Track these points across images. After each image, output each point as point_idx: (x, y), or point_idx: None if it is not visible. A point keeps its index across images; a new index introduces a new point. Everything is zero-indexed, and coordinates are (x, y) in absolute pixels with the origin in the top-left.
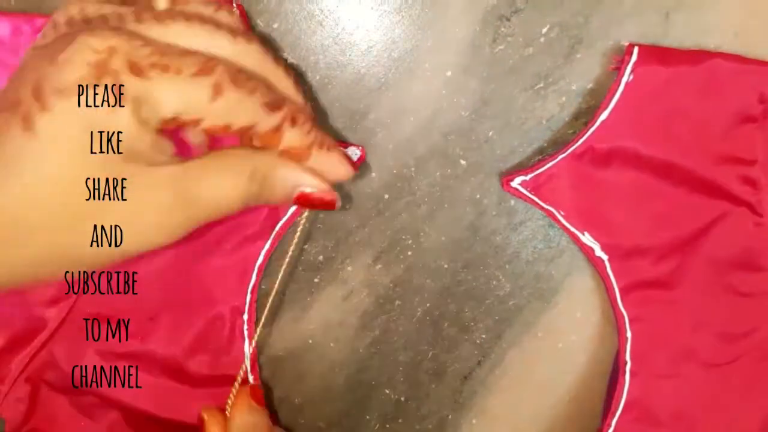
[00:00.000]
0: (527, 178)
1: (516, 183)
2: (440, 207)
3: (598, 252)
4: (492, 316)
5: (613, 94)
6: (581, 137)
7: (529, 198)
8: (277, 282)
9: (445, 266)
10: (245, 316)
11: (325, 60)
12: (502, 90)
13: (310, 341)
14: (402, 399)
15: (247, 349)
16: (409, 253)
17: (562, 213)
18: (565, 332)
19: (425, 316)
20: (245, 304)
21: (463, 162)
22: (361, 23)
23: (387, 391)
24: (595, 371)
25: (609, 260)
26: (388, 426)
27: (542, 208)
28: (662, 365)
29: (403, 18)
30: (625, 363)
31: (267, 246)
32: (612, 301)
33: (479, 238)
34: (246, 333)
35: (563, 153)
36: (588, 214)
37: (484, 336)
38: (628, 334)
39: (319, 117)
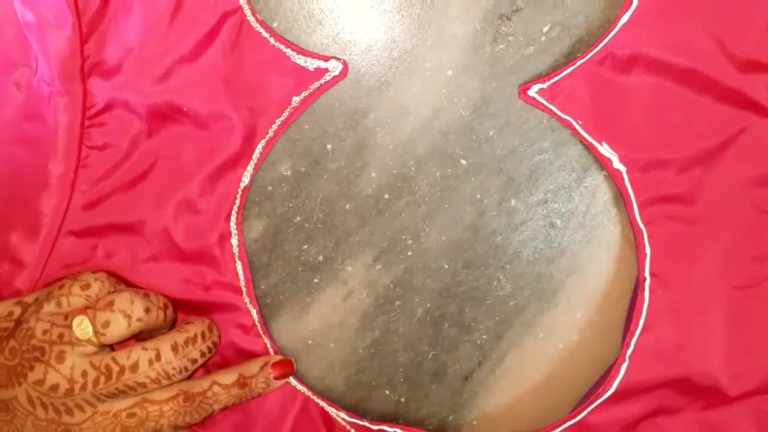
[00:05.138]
0: (545, 86)
1: (533, 92)
2: (440, 207)
3: (616, 164)
4: (492, 317)
5: None
6: (601, 41)
7: (546, 107)
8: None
9: (446, 266)
10: (234, 240)
11: None
12: (503, 89)
13: (310, 342)
14: (402, 400)
15: (241, 271)
16: (409, 253)
17: (579, 122)
18: (566, 333)
19: (425, 317)
20: (231, 227)
21: (463, 162)
22: (360, 22)
23: (387, 392)
24: (597, 372)
25: (627, 172)
26: None
27: (559, 117)
28: (683, 283)
29: (403, 17)
30: (644, 280)
31: (251, 169)
32: (630, 215)
33: (479, 238)
34: (237, 256)
35: (582, 58)
36: (607, 123)
37: (484, 336)
38: (647, 250)
39: (318, 116)
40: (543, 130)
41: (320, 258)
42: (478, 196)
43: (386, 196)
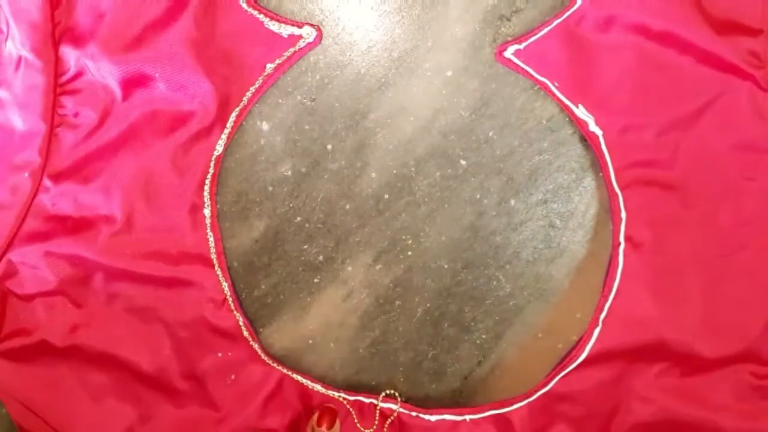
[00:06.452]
0: (521, 47)
1: (509, 53)
2: (440, 207)
3: (593, 126)
4: (492, 317)
5: None
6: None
7: (523, 69)
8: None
9: (445, 266)
10: (206, 211)
11: (325, 60)
12: (503, 90)
13: (310, 341)
14: (402, 399)
15: (213, 242)
16: (409, 253)
17: (556, 84)
18: (565, 332)
19: (425, 316)
20: (204, 197)
21: (463, 162)
22: (361, 23)
23: (387, 392)
24: None
25: (604, 135)
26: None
27: (535, 79)
28: (659, 249)
29: (404, 18)
30: (619, 244)
31: (224, 137)
32: (606, 179)
33: (479, 238)
34: (209, 227)
35: (559, 18)
36: (584, 84)
37: (484, 336)
38: (623, 215)
39: (319, 117)
40: (542, 131)
41: (320, 258)
42: (478, 196)
43: (386, 196)
